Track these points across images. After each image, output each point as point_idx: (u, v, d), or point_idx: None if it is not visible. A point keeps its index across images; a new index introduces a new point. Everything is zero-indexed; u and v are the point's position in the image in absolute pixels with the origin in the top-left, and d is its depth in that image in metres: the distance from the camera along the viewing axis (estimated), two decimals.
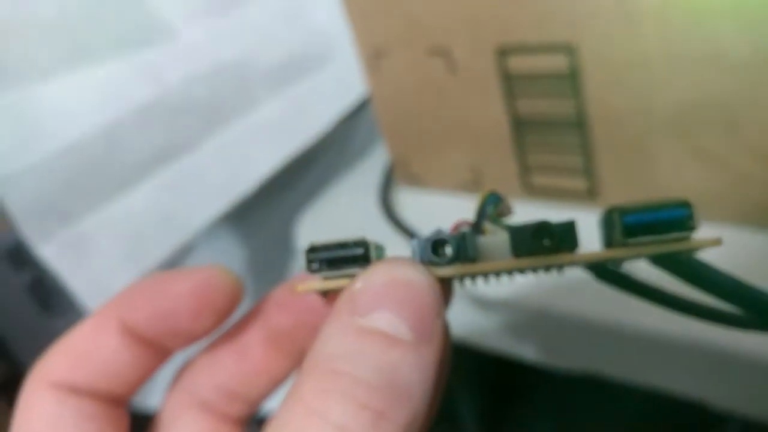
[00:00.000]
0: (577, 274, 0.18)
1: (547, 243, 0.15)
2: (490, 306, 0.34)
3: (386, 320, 0.14)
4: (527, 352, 0.34)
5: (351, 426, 0.13)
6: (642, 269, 0.17)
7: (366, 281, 0.14)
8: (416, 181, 0.44)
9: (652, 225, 0.15)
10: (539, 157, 0.36)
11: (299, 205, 0.48)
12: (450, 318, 0.35)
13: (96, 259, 0.37)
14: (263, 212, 0.53)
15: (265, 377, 0.19)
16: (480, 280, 0.17)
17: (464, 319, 0.35)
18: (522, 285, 0.32)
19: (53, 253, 0.35)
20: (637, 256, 0.15)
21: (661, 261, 0.16)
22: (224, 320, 0.18)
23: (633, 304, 0.27)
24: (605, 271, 0.17)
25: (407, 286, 0.14)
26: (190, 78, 0.41)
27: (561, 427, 0.44)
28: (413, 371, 0.14)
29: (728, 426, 0.37)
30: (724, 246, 0.15)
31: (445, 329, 0.18)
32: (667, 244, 0.15)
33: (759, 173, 0.29)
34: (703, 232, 0.15)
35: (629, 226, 0.15)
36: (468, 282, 0.17)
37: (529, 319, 0.33)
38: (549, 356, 0.34)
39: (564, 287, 0.32)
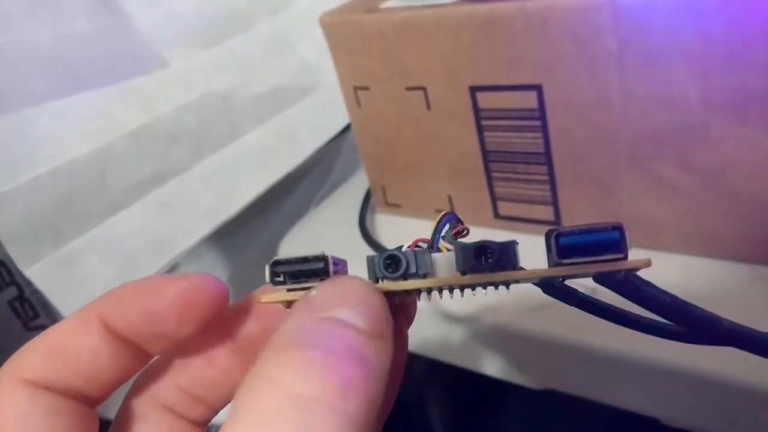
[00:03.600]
0: (540, 295, 0.19)
1: (487, 262, 0.16)
2: (461, 322, 0.35)
3: (344, 314, 0.14)
4: (495, 368, 0.36)
5: (320, 395, 0.13)
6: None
7: (321, 289, 0.15)
8: (393, 209, 0.45)
9: (585, 247, 0.15)
10: (509, 188, 0.38)
11: (282, 226, 0.49)
12: (423, 333, 0.37)
13: (86, 280, 0.37)
14: (247, 233, 0.54)
15: (229, 383, 0.19)
16: (436, 294, 0.18)
17: (437, 335, 0.37)
18: (492, 303, 0.34)
19: (42, 273, 0.35)
20: (573, 275, 0.16)
21: (601, 279, 0.17)
22: (207, 327, 0.18)
23: (596, 326, 0.28)
24: (552, 286, 0.18)
25: (358, 292, 0.15)
26: (180, 106, 0.41)
27: None
28: (374, 353, 0.14)
29: None
30: (681, 273, 0.16)
31: (402, 341, 0.19)
32: (600, 264, 0.15)
33: (711, 204, 0.32)
34: (660, 260, 0.16)
35: (564, 247, 0.15)
36: (425, 296, 0.18)
37: (498, 336, 0.35)
38: (515, 373, 0.35)
39: (530, 307, 0.33)
